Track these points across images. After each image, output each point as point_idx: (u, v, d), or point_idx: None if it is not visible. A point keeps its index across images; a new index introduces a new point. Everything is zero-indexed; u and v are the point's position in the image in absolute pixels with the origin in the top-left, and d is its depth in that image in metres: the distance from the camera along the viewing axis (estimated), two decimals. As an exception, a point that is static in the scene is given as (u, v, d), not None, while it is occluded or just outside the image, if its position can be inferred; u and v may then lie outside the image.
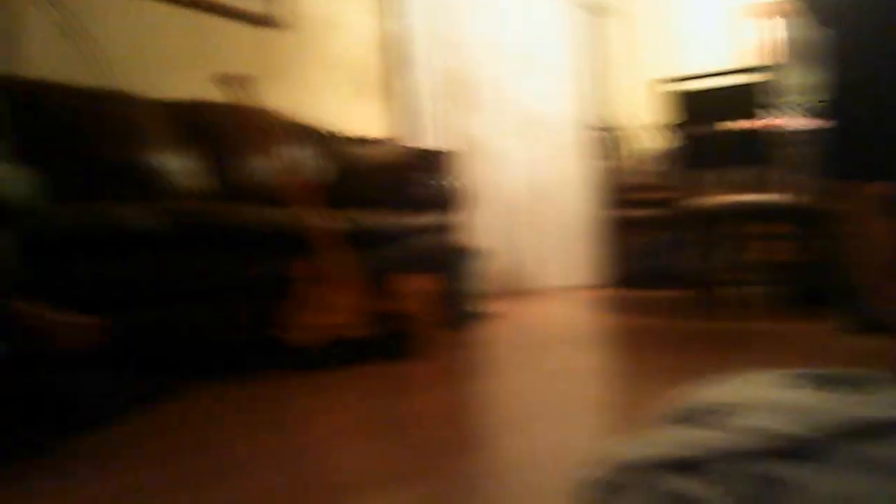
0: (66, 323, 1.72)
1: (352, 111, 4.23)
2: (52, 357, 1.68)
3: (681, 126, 3.33)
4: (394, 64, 4.44)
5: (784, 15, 4.74)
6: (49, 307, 1.71)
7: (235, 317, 2.33)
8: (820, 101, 2.26)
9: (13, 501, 1.16)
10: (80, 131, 2.64)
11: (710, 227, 3.37)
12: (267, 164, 3.03)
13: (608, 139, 5.29)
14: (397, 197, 3.17)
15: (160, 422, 1.70)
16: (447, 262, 3.22)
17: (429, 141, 4.28)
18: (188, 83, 3.27)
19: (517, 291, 4.75)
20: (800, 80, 2.78)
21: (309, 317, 2.31)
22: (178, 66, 3.41)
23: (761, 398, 0.79)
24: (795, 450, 0.69)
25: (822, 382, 0.81)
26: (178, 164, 2.87)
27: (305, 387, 2.05)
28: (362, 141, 3.82)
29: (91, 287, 1.96)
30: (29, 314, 1.67)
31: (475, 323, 3.28)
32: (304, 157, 3.36)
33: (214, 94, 2.82)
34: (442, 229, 3.34)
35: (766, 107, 3.15)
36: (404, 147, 3.87)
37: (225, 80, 2.39)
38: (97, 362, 1.76)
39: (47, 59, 2.90)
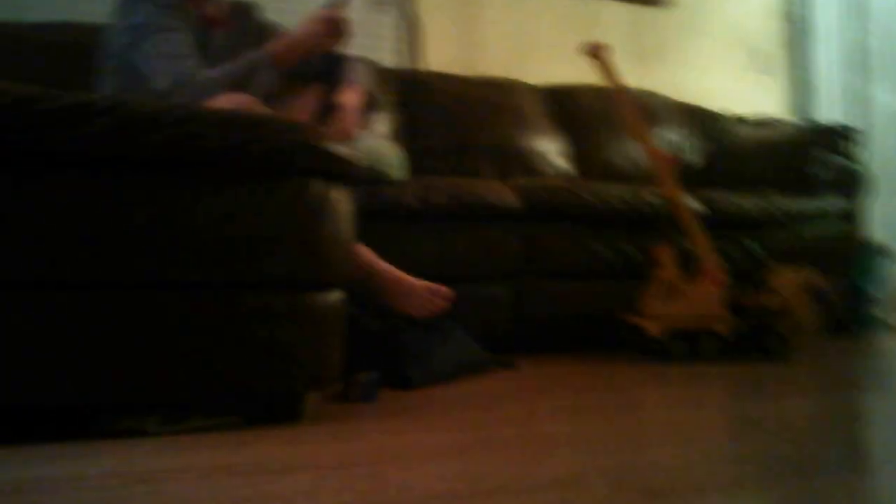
0: (417, 287, 1.81)
1: (741, 88, 3.86)
2: (399, 317, 1.79)
3: None
4: (792, 36, 3.95)
5: None
6: (402, 272, 1.83)
7: (589, 296, 2.27)
8: None
9: (342, 433, 1.23)
10: (458, 115, 2.80)
11: None
12: (635, 145, 2.91)
13: None
14: (786, 179, 2.79)
15: (493, 391, 1.69)
16: (843, 256, 2.75)
17: (833, 118, 3.72)
18: (567, 68, 3.29)
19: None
20: None
21: (665, 304, 2.13)
22: (556, 52, 3.45)
23: None
24: None
25: None
26: (547, 146, 2.90)
27: (652, 377, 1.89)
28: (749, 119, 3.47)
29: (442, 257, 2.05)
30: (385, 276, 1.80)
31: (876, 332, 2.76)
32: (678, 137, 3.16)
33: (590, 78, 2.78)
34: (840, 218, 2.86)
35: None
36: (799, 124, 3.41)
37: (590, 50, 2.29)
38: (440, 327, 1.83)
39: (441, 54, 3.17)
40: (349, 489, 0.94)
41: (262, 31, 1.92)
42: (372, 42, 3.01)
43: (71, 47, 2.12)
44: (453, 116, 2.80)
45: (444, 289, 1.80)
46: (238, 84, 1.63)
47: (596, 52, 2.23)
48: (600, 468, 1.03)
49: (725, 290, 2.11)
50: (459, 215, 2.07)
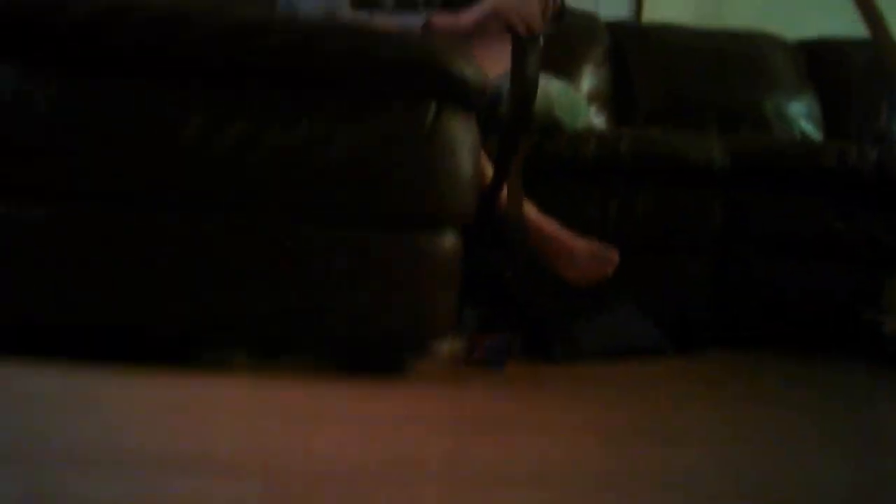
0: (578, 249, 1.55)
1: None
2: (554, 280, 1.55)
3: None
4: None
5: None
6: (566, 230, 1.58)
7: (812, 281, 1.82)
8: None
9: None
10: (681, 71, 2.45)
11: None
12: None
13: None
14: None
15: (655, 376, 1.40)
16: None
17: None
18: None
19: None
20: None
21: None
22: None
23: None
24: None
25: None
26: (794, 109, 2.44)
27: (890, 393, 1.48)
28: None
29: (624, 220, 1.75)
30: (546, 233, 1.56)
31: None
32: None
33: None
34: None
35: None
36: None
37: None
38: (600, 297, 1.55)
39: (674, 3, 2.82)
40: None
41: None
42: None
43: None
44: (675, 73, 2.44)
45: (610, 252, 1.53)
46: None
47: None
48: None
49: None
50: (647, 171, 1.76)
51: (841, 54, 2.58)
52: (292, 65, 1.11)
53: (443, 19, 1.50)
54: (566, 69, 2.32)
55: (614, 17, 2.68)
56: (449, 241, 1.17)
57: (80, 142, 1.07)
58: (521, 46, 1.46)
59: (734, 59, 2.48)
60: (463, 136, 1.17)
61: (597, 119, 2.38)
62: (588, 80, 2.39)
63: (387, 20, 1.49)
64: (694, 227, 1.77)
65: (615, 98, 2.43)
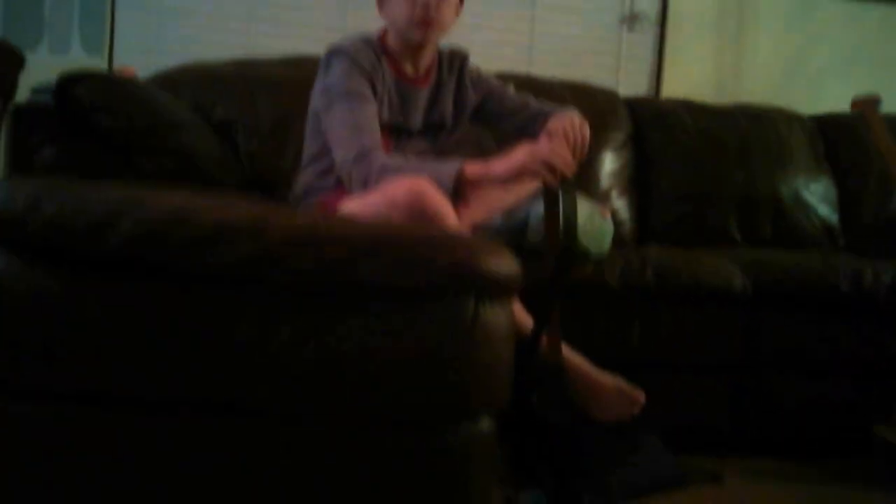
0: (607, 388, 1.62)
1: None
2: (581, 417, 1.61)
3: None
4: None
5: None
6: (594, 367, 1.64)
7: (829, 398, 1.89)
8: None
9: None
10: (700, 152, 2.50)
11: None
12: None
13: None
14: None
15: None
16: None
17: None
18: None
19: None
20: None
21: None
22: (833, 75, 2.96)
23: None
24: None
25: None
26: (810, 193, 2.52)
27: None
28: None
29: (646, 340, 1.82)
30: (576, 370, 1.62)
31: None
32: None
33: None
34: None
35: None
36: None
37: (858, 105, 1.91)
38: (627, 436, 1.62)
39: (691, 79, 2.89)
40: None
41: (469, 85, 1.82)
42: (608, 66, 2.82)
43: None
44: (694, 157, 2.50)
45: (636, 392, 1.59)
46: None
47: (864, 108, 1.86)
48: None
49: None
50: (669, 294, 1.82)
51: (854, 131, 2.62)
52: (339, 277, 1.17)
53: (474, 169, 1.54)
54: (588, 155, 2.38)
55: (634, 93, 2.75)
56: (485, 426, 1.23)
57: (131, 349, 1.14)
58: (553, 196, 1.51)
59: (752, 140, 2.54)
60: (499, 322, 1.23)
61: (618, 202, 2.45)
62: (609, 163, 2.46)
63: (420, 168, 1.54)
64: (714, 347, 1.84)
65: (635, 180, 2.50)
